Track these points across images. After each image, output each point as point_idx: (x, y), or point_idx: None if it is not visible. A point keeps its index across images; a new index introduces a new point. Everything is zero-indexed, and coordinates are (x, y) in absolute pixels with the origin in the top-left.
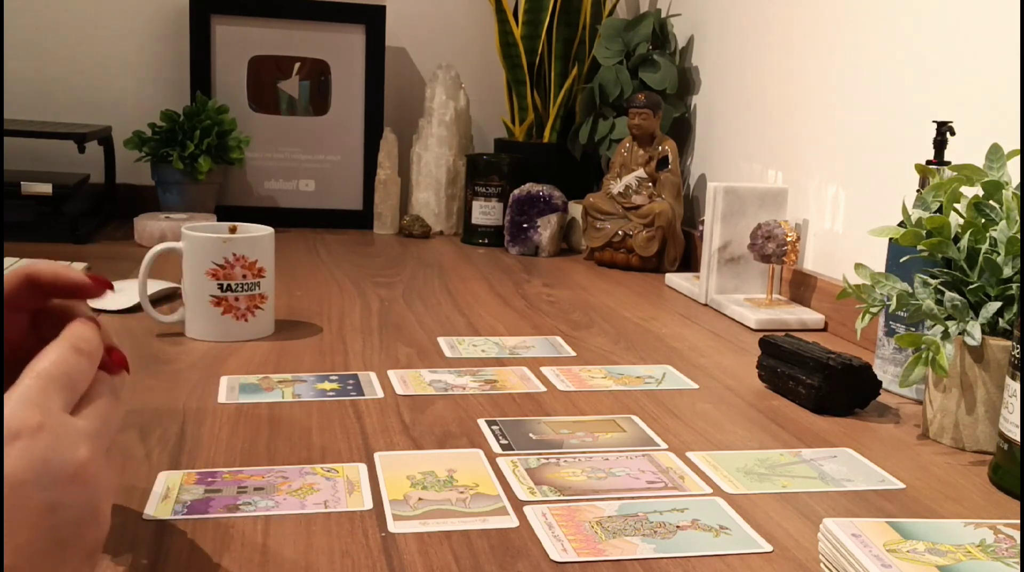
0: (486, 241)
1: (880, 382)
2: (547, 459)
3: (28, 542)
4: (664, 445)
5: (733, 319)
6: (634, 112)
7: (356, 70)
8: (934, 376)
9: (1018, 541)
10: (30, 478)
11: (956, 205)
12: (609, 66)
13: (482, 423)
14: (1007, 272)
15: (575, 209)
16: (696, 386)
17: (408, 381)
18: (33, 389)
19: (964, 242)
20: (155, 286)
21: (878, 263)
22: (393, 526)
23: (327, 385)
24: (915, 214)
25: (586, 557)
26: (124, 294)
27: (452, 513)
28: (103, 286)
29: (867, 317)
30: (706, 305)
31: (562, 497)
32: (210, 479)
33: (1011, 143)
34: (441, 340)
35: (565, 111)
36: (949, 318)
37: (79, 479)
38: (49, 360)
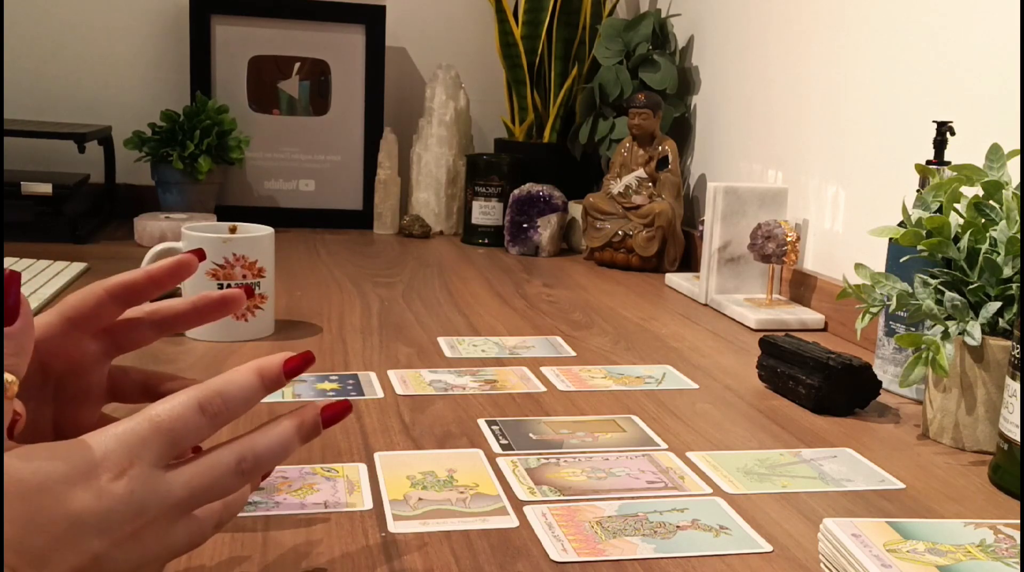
0: (486, 241)
1: (880, 382)
2: (547, 459)
3: None
4: (664, 445)
5: (733, 319)
6: (634, 112)
7: (356, 70)
8: (934, 376)
9: (1018, 541)
10: (91, 522)
11: (956, 205)
12: (609, 66)
13: (482, 423)
14: (1007, 272)
15: (575, 209)
16: (696, 386)
17: (408, 381)
18: (136, 434)
19: (964, 242)
20: None
21: (878, 263)
22: (393, 526)
23: (327, 385)
24: (915, 214)
25: (586, 557)
26: None
27: (452, 513)
28: (197, 255)
29: (867, 317)
30: (706, 305)
31: (562, 497)
32: None
33: (1011, 143)
34: (441, 340)
35: (565, 111)
36: (949, 318)
37: (135, 538)
38: (168, 408)
